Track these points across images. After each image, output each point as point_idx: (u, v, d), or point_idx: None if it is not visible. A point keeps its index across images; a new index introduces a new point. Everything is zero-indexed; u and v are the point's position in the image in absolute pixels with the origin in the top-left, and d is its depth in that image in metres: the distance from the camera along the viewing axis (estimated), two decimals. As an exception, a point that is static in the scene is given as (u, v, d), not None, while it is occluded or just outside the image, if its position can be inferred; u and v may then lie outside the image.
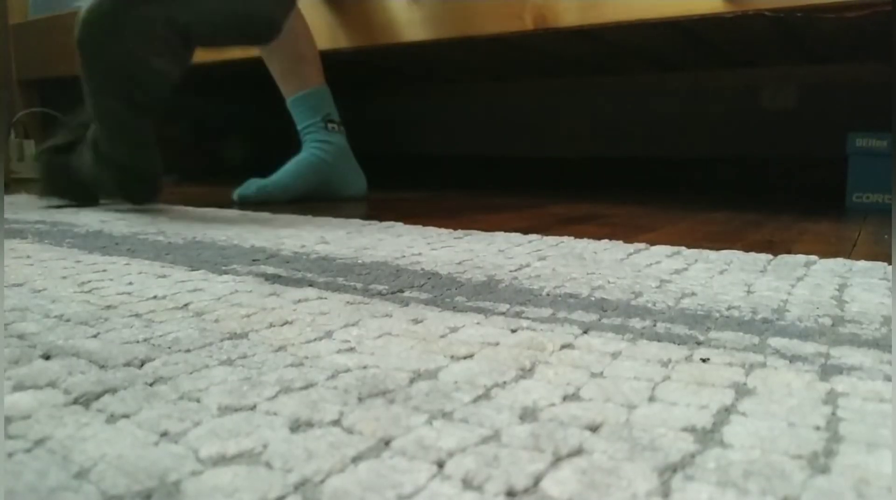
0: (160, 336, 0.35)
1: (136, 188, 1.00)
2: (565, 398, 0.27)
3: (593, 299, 0.43)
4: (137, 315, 0.39)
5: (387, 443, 0.23)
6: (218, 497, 0.19)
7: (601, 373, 0.30)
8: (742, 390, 0.28)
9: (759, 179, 1.75)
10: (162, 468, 0.21)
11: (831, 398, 0.27)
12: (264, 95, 2.45)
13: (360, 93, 2.22)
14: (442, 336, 0.35)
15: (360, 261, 0.57)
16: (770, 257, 0.59)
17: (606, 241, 0.68)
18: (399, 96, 2.21)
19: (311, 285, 0.47)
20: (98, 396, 0.26)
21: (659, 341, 0.35)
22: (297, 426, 0.24)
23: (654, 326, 0.37)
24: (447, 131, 2.23)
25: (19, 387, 0.27)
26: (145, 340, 0.34)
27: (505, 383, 0.28)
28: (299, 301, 0.42)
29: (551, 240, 0.69)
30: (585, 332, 0.36)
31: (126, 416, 0.25)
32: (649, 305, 0.42)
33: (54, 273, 0.51)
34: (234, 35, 1.06)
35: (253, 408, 0.25)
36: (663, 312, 0.40)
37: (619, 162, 1.94)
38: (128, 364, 0.30)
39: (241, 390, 0.27)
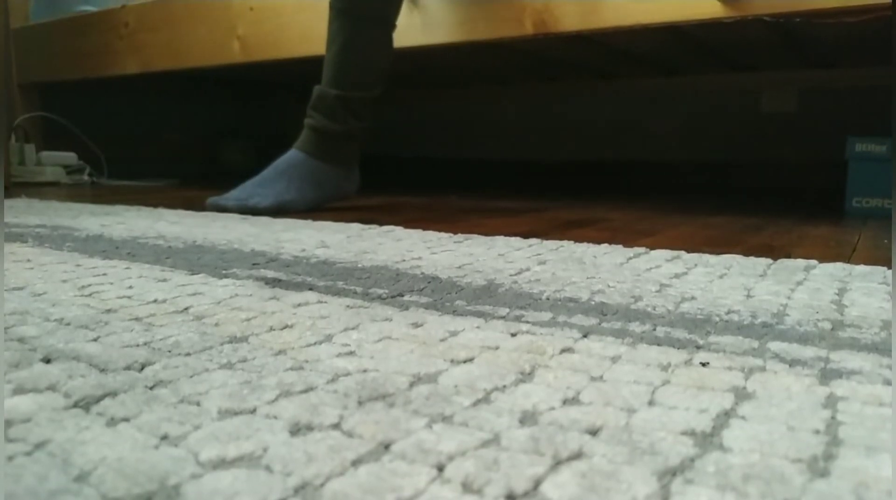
0: (160, 340, 0.35)
1: None
2: (565, 402, 0.27)
3: (593, 303, 0.44)
4: (137, 319, 0.39)
5: (387, 447, 0.23)
6: (218, 501, 0.19)
7: (601, 377, 0.30)
8: (741, 394, 0.28)
9: (759, 183, 1.75)
10: (162, 472, 0.21)
11: (831, 402, 0.27)
12: (264, 98, 2.46)
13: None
14: (442, 340, 0.35)
15: (360, 265, 0.57)
16: (770, 261, 0.59)
17: (606, 245, 0.68)
18: (399, 100, 2.21)
19: (311, 289, 0.47)
20: (98, 399, 0.26)
21: (659, 345, 0.35)
22: (296, 430, 0.24)
23: (654, 330, 0.37)
24: (447, 135, 2.24)
25: (19, 390, 0.27)
26: (145, 343, 0.34)
27: (505, 386, 0.28)
28: (299, 305, 0.42)
29: (551, 244, 0.69)
30: (585, 336, 0.36)
31: (126, 419, 0.25)
32: (649, 309, 0.42)
33: (54, 277, 0.51)
34: None
35: (253, 411, 0.25)
36: (663, 316, 0.40)
37: (618, 166, 1.94)
38: (128, 368, 0.30)
39: (241, 394, 0.27)
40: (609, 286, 0.48)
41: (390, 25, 1.11)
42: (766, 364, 0.31)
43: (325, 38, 1.11)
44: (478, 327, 0.38)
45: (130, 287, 0.47)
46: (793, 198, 1.48)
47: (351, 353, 0.33)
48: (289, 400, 0.27)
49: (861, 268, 0.56)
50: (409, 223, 0.88)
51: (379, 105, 1.13)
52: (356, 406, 0.26)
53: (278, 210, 1.05)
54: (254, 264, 0.57)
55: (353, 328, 0.37)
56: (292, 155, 1.12)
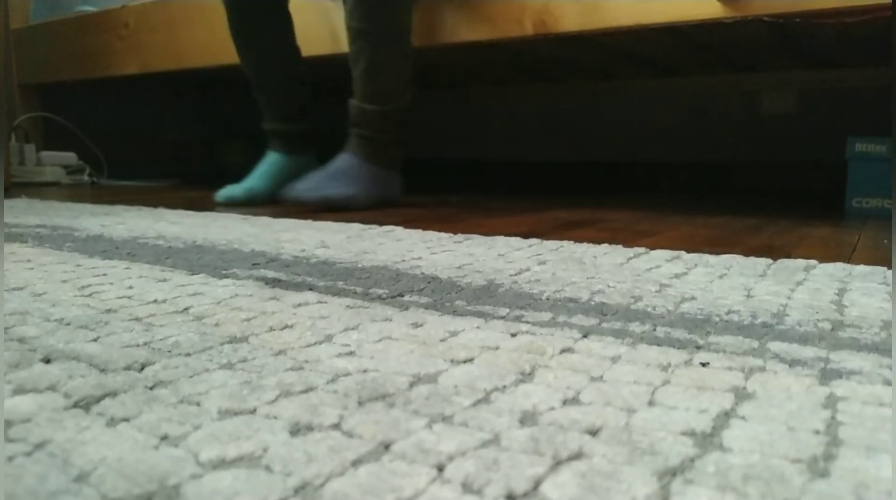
0: (160, 340, 0.35)
1: None
2: (565, 402, 0.27)
3: (593, 303, 0.44)
4: (137, 319, 0.39)
5: (387, 447, 0.23)
6: (218, 501, 0.19)
7: (601, 377, 0.30)
8: (741, 395, 0.28)
9: (759, 183, 1.75)
10: (162, 472, 0.21)
11: (831, 402, 0.27)
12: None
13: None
14: (442, 340, 0.35)
15: (360, 265, 0.57)
16: (770, 261, 0.59)
17: (606, 245, 0.68)
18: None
19: (311, 289, 0.47)
20: (98, 399, 0.26)
21: (658, 345, 0.35)
22: (297, 430, 0.24)
23: (654, 330, 0.37)
24: (447, 135, 2.24)
25: (20, 390, 0.27)
26: (145, 343, 0.34)
27: (505, 387, 0.28)
28: (299, 305, 0.42)
29: (551, 244, 0.69)
30: (585, 336, 0.36)
31: (126, 419, 0.25)
32: (649, 309, 0.42)
33: (54, 277, 0.51)
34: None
35: (253, 412, 0.25)
36: (663, 316, 0.40)
37: (618, 166, 1.94)
38: (128, 368, 0.30)
39: (241, 394, 0.27)
40: (609, 286, 0.48)
41: (407, 36, 1.15)
42: (766, 364, 0.31)
43: (330, 37, 1.12)
44: (478, 328, 0.38)
45: (130, 287, 0.47)
46: (793, 198, 1.48)
47: (351, 353, 0.33)
48: (289, 400, 0.27)
49: (861, 268, 0.56)
50: (409, 223, 0.88)
51: (413, 107, 1.17)
52: (356, 406, 0.26)
53: (348, 203, 1.09)
54: (254, 264, 0.57)
55: (353, 328, 0.37)
56: (346, 158, 1.16)
